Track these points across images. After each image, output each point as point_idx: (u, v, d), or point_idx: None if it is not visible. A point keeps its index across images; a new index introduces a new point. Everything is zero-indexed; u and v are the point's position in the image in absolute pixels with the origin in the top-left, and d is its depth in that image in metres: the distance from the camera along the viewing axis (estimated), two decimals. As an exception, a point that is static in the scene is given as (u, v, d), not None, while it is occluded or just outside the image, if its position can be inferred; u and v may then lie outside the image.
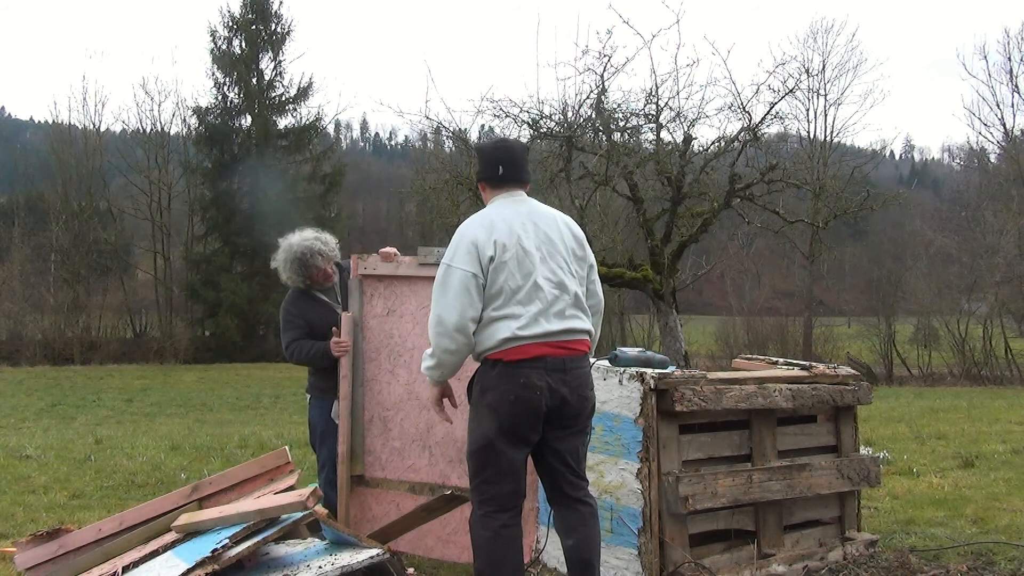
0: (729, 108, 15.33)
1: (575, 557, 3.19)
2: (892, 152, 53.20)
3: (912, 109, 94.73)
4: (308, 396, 4.75)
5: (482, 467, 3.15)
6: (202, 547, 3.31)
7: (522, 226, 3.17)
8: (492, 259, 3.08)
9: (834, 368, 4.49)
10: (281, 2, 34.47)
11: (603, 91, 15.16)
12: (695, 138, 15.55)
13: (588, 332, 3.24)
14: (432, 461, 4.20)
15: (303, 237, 4.57)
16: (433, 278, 4.18)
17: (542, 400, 3.07)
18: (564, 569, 3.95)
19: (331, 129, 41.67)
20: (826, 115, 30.71)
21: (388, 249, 4.43)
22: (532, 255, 3.13)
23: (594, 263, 3.39)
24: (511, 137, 13.50)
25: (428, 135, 21.33)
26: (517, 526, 3.17)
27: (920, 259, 28.15)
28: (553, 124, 15.48)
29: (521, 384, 3.06)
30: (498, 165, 3.28)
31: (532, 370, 3.06)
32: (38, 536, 3.87)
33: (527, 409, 3.07)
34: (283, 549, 3.57)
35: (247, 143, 33.21)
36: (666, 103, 15.26)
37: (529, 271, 3.11)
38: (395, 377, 4.35)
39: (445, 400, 3.37)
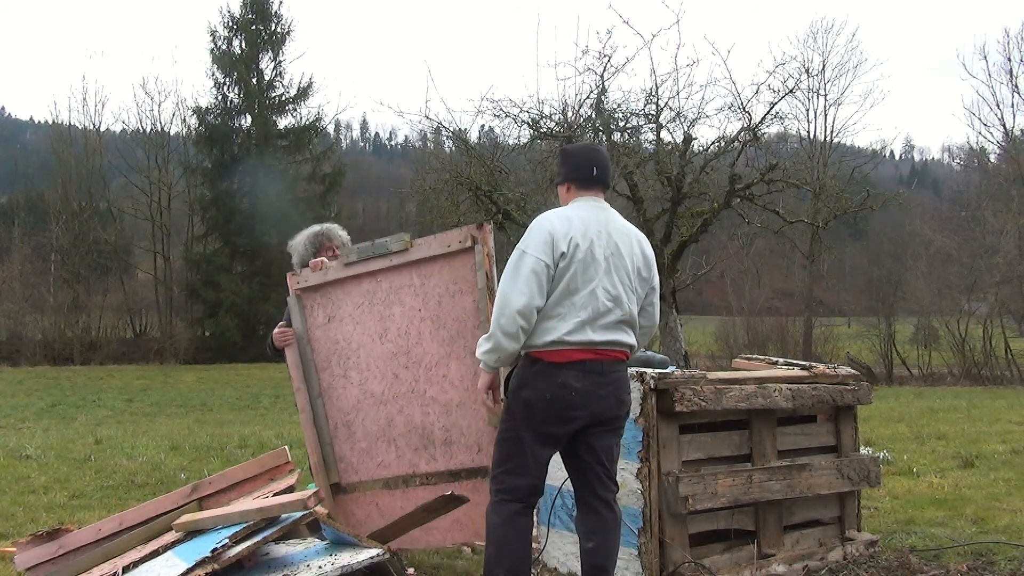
0: (729, 108, 15.38)
1: (591, 562, 3.22)
2: (892, 152, 53.29)
3: (912, 109, 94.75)
4: None
5: (506, 458, 3.20)
6: (202, 547, 3.32)
7: (597, 233, 3.19)
8: (564, 255, 3.11)
9: (834, 368, 4.49)
10: (281, 2, 34.55)
11: (603, 91, 15.21)
12: (695, 138, 15.60)
13: (631, 347, 3.28)
14: (399, 453, 4.19)
15: (324, 224, 4.88)
16: (360, 276, 4.24)
17: (576, 400, 3.11)
18: (564, 570, 3.97)
19: (331, 129, 41.67)
20: (826, 115, 30.75)
21: (315, 260, 4.52)
22: (599, 263, 3.16)
23: (657, 287, 3.40)
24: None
25: (428, 135, 21.38)
26: (528, 516, 3.22)
27: (920, 259, 28.14)
28: (553, 124, 15.51)
29: (559, 384, 3.10)
30: (592, 167, 3.31)
31: (570, 372, 3.11)
32: (38, 536, 3.87)
33: (561, 408, 3.11)
34: (283, 549, 3.57)
35: (247, 143, 33.21)
36: (666, 103, 15.31)
37: (591, 278, 3.14)
38: (348, 380, 4.35)
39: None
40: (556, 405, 3.11)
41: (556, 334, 3.10)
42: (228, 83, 33.46)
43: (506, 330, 3.09)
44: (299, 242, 4.77)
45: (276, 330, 4.50)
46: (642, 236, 3.38)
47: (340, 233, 4.79)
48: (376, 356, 4.23)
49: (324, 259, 4.47)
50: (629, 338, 3.25)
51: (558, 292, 3.12)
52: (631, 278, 3.25)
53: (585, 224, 3.18)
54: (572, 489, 3.42)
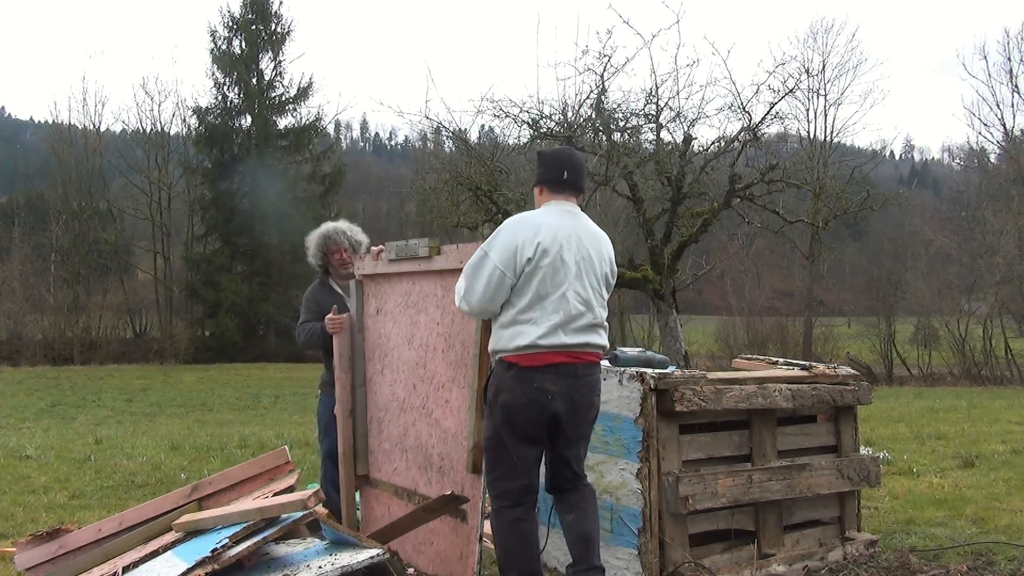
0: (729, 108, 15.35)
1: (575, 532, 3.29)
2: (892, 152, 53.24)
3: (912, 109, 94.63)
4: (319, 391, 4.81)
5: (496, 463, 3.27)
6: (202, 547, 3.32)
7: (567, 238, 3.23)
8: (530, 260, 3.16)
9: (834, 368, 4.49)
10: (281, 2, 34.57)
11: (603, 91, 15.18)
12: (695, 138, 15.57)
13: (604, 348, 3.34)
14: (407, 466, 4.13)
15: (338, 222, 4.78)
16: (402, 275, 4.20)
17: (553, 404, 3.17)
18: (564, 570, 3.97)
19: (331, 129, 41.70)
20: (826, 115, 30.72)
21: (376, 247, 4.48)
22: (569, 268, 3.20)
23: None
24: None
25: (428, 135, 21.37)
26: (530, 520, 3.28)
27: (920, 259, 28.14)
28: (553, 124, 15.48)
29: (535, 388, 3.16)
30: (563, 169, 3.35)
31: (546, 375, 3.17)
32: (38, 536, 3.88)
33: (539, 411, 3.17)
34: (283, 549, 3.57)
35: (247, 143, 33.21)
36: (666, 103, 15.28)
37: (560, 282, 3.19)
38: (383, 378, 4.32)
39: None
40: (533, 408, 3.16)
41: (529, 338, 3.15)
42: (228, 83, 33.49)
43: (467, 311, 3.33)
44: (310, 243, 4.74)
45: (329, 316, 4.43)
46: (608, 240, 3.46)
47: (349, 235, 4.70)
48: (404, 360, 4.17)
49: (382, 247, 4.40)
50: (601, 340, 3.30)
51: (529, 297, 3.16)
52: (599, 282, 3.31)
53: (554, 229, 3.21)
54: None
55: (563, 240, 3.21)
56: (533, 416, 3.16)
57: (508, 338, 3.18)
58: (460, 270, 3.77)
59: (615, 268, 3.45)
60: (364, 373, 4.43)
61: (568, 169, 3.35)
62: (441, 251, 3.93)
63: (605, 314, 3.34)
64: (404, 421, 4.14)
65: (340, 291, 4.73)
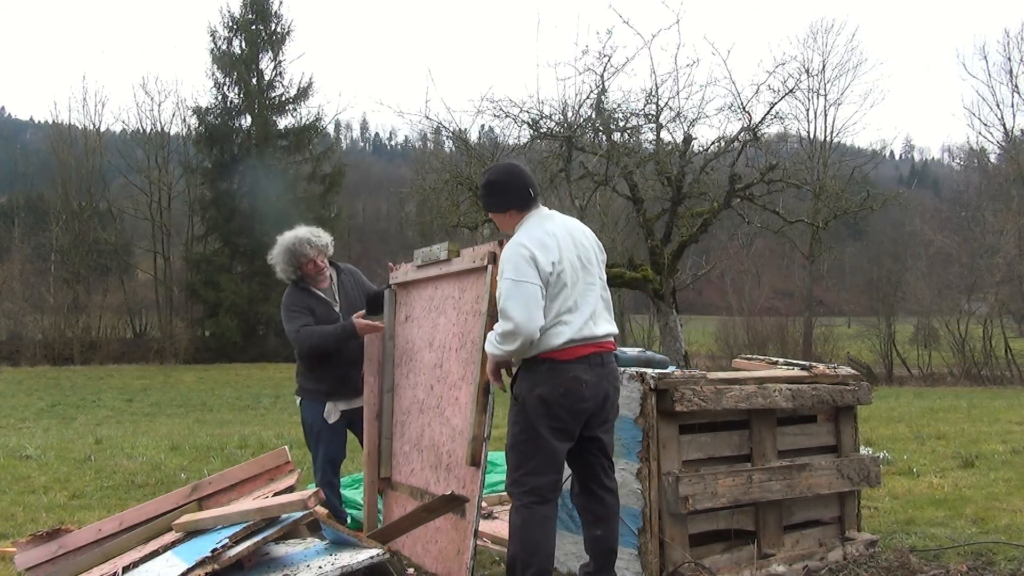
0: (729, 108, 15.39)
1: (603, 547, 3.40)
2: (892, 152, 53.24)
3: (912, 109, 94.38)
4: (299, 398, 4.77)
5: (527, 458, 3.30)
6: (202, 547, 3.32)
7: (564, 240, 3.37)
8: (551, 273, 3.27)
9: (834, 368, 4.49)
10: (281, 2, 34.57)
11: (603, 91, 15.20)
12: (695, 138, 15.60)
13: (615, 335, 3.49)
14: (422, 465, 4.17)
15: (296, 231, 4.68)
16: (427, 280, 4.24)
17: (587, 392, 3.28)
18: (564, 570, 3.97)
19: (331, 129, 41.63)
20: (826, 115, 30.80)
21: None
22: (576, 268, 3.36)
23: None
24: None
25: (428, 135, 21.42)
26: (556, 517, 3.37)
27: (920, 259, 28.16)
28: (553, 124, 15.50)
29: (571, 378, 3.26)
30: (528, 188, 3.46)
31: (579, 366, 3.28)
32: (38, 536, 3.88)
33: (575, 400, 3.27)
34: (283, 549, 3.57)
35: (247, 143, 33.23)
36: (666, 103, 15.31)
37: (575, 282, 3.33)
38: (408, 381, 4.37)
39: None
40: (569, 398, 3.26)
41: (566, 337, 3.27)
42: (228, 83, 33.51)
43: (512, 351, 3.25)
44: (275, 260, 4.66)
45: (364, 321, 4.44)
46: (586, 227, 3.58)
47: (314, 238, 4.60)
48: (425, 363, 4.22)
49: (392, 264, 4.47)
50: (613, 327, 3.46)
51: (559, 302, 3.29)
52: (599, 268, 3.47)
53: (556, 238, 3.35)
54: (571, 484, 3.51)
55: (564, 244, 3.34)
56: (569, 406, 3.25)
57: (544, 341, 3.26)
58: (476, 270, 3.85)
59: (601, 245, 3.55)
60: (392, 378, 4.48)
61: (531, 186, 3.46)
62: (460, 253, 4.01)
63: (608, 293, 3.49)
64: (422, 422, 4.19)
65: (320, 293, 4.68)
